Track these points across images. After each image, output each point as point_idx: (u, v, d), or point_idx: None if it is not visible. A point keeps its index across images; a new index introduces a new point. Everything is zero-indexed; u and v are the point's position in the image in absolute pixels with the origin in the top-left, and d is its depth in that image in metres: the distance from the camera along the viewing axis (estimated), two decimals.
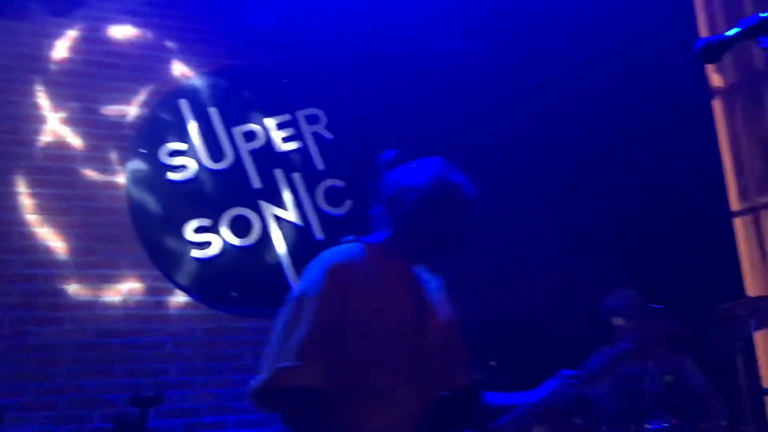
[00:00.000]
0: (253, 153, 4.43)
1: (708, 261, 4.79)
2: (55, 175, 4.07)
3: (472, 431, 1.88)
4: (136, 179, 4.16)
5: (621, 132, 5.13)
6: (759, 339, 4.99)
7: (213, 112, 4.41)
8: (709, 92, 5.48)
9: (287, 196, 4.42)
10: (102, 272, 4.02)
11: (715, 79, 5.63)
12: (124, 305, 4.02)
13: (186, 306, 4.14)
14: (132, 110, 4.30)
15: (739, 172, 5.47)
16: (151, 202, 4.15)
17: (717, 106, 5.57)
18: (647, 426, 3.16)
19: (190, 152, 4.31)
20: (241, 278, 4.21)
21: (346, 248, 1.96)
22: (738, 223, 5.34)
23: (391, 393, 1.83)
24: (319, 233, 4.42)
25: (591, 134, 5.11)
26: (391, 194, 2.00)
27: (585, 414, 3.54)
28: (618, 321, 2.12)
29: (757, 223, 5.26)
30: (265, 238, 4.32)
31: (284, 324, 1.83)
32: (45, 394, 3.72)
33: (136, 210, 4.12)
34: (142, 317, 4.05)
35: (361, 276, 1.85)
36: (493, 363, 3.48)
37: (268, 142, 4.49)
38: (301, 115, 4.61)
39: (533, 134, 5.07)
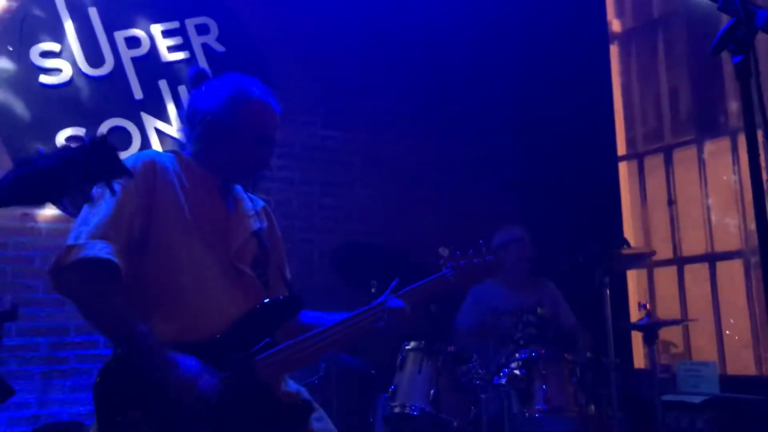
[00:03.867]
0: (136, 61, 4.13)
1: (591, 200, 4.94)
2: None
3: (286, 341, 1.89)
4: (3, 80, 3.81)
5: (516, 71, 5.13)
6: (631, 278, 5.24)
7: (93, 12, 4.06)
8: (606, 37, 5.55)
9: (171, 109, 4.17)
10: None
11: (615, 24, 5.70)
12: None
13: (56, 219, 3.89)
14: None
15: (629, 118, 5.62)
16: (19, 106, 3.82)
17: (614, 51, 5.66)
18: (516, 355, 3.24)
19: (66, 54, 3.97)
20: None
21: (160, 152, 2.01)
22: (623, 168, 5.53)
23: (198, 297, 1.82)
24: None
25: (486, 69, 5.09)
26: (186, 115, 2.02)
27: (456, 341, 3.60)
28: (443, 251, 2.22)
29: (641, 168, 5.46)
30: None
31: (86, 207, 1.79)
32: None
33: (3, 114, 3.78)
34: (9, 230, 3.78)
35: (167, 178, 1.88)
36: (373, 290, 3.46)
37: (153, 50, 4.19)
38: (190, 23, 4.31)
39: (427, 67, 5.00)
